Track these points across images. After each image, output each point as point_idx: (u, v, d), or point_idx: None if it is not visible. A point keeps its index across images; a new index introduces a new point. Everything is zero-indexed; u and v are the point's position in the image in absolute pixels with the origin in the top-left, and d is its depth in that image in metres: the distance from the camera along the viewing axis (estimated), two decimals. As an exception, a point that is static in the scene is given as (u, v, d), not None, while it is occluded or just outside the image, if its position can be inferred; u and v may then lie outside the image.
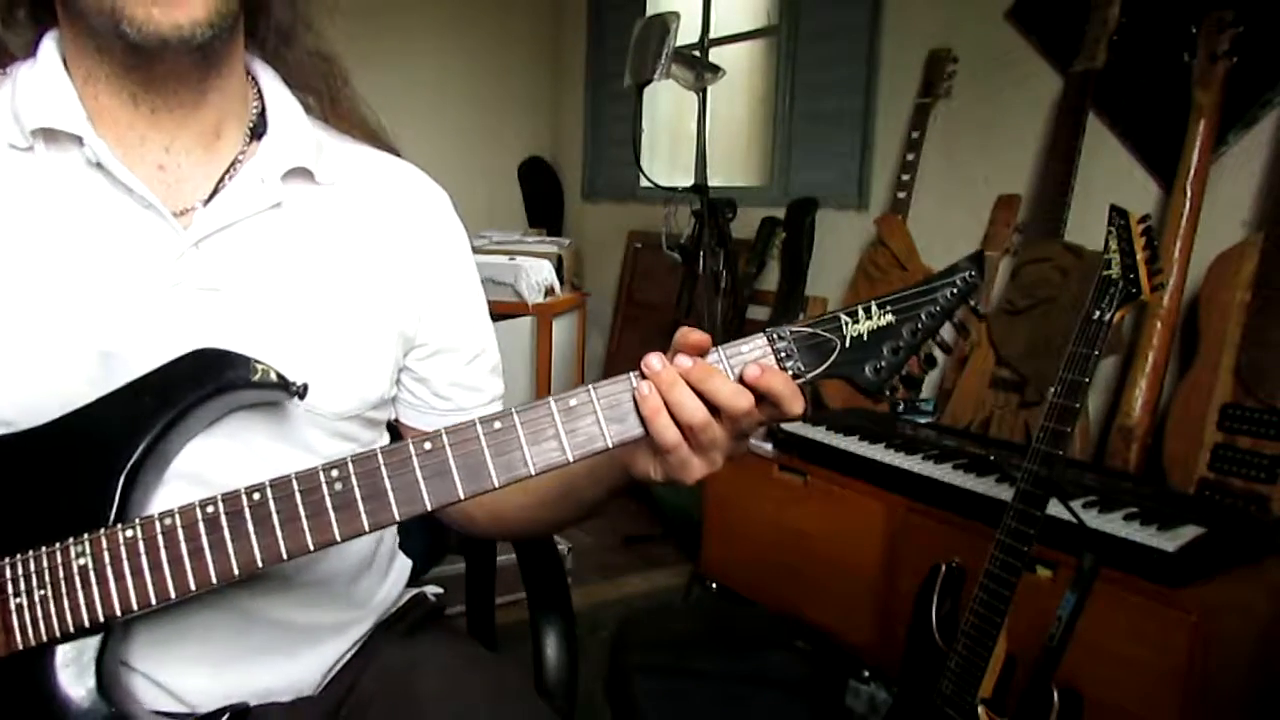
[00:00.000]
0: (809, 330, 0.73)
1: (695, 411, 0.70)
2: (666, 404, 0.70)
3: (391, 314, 0.89)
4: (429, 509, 0.71)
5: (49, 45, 0.80)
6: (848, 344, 0.73)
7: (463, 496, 0.71)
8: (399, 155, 0.97)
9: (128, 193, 0.78)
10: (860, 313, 0.74)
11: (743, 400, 0.70)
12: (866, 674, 2.10)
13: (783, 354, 0.73)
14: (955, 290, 0.75)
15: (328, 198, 0.87)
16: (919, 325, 0.74)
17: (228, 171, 0.83)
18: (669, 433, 0.70)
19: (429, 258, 0.93)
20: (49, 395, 0.75)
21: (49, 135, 0.77)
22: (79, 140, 0.77)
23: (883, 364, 0.74)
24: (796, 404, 0.72)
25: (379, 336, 0.88)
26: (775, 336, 0.73)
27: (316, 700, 0.90)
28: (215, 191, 0.82)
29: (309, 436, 0.84)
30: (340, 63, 0.93)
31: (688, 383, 0.70)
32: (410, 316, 0.91)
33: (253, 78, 0.88)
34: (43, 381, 0.75)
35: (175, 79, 0.78)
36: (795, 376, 0.73)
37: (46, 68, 0.78)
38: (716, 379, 0.71)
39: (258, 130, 0.86)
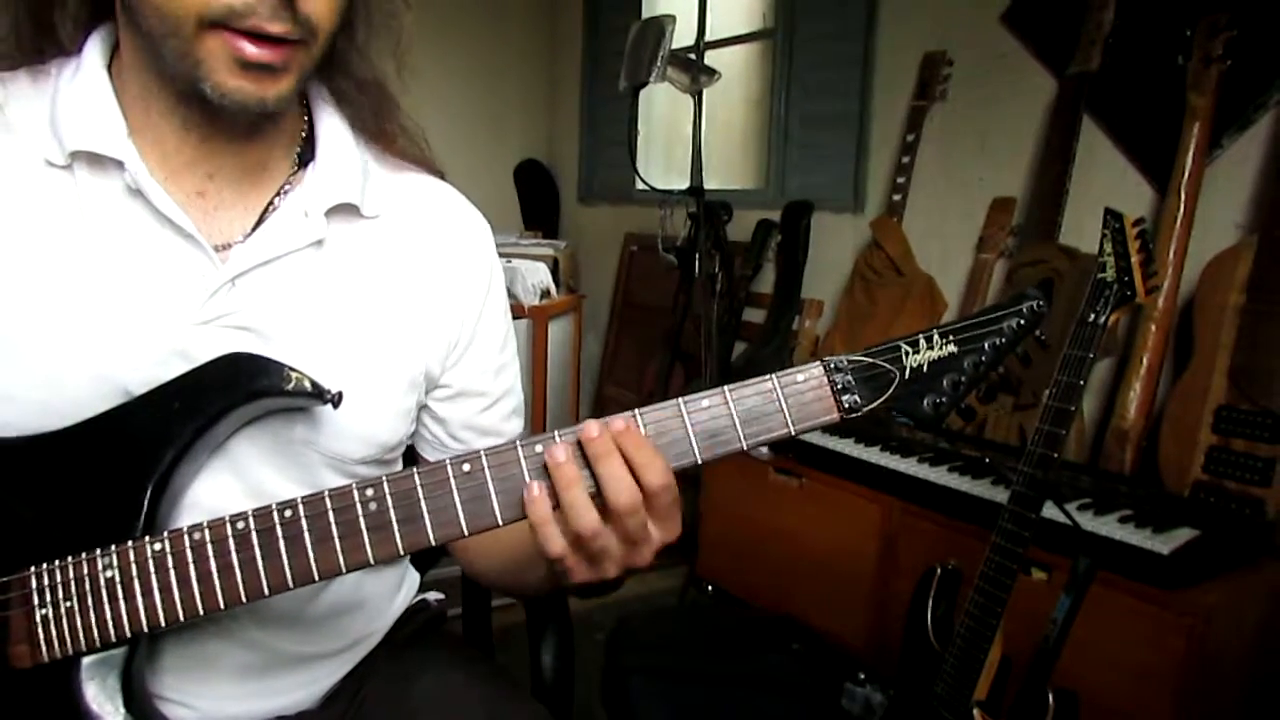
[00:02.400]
0: (868, 360, 0.69)
1: (583, 520, 0.66)
2: (559, 502, 0.66)
3: (421, 357, 0.87)
4: (466, 534, 0.68)
5: (94, 53, 0.76)
6: (907, 375, 0.69)
7: (501, 523, 0.68)
8: (444, 177, 0.94)
9: (167, 222, 0.75)
10: (921, 342, 0.70)
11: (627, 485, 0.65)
12: (862, 676, 2.10)
13: (840, 386, 0.69)
14: (1022, 321, 0.71)
15: (370, 232, 0.84)
16: (982, 358, 0.70)
17: (271, 203, 0.81)
18: (555, 543, 0.67)
19: (465, 297, 0.90)
20: (66, 425, 0.72)
21: (90, 157, 0.74)
22: (120, 164, 0.73)
23: (942, 399, 0.70)
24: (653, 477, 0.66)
25: (405, 383, 0.86)
26: (833, 367, 0.69)
27: (320, 710, 0.91)
28: (258, 224, 0.79)
29: (323, 479, 0.81)
30: (388, 84, 0.89)
31: (585, 454, 0.66)
32: (438, 357, 0.88)
33: (304, 98, 0.84)
34: (62, 412, 0.72)
35: (237, 121, 0.76)
36: (852, 411, 0.69)
37: (90, 82, 0.75)
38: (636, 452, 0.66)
39: (304, 157, 0.83)
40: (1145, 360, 2.17)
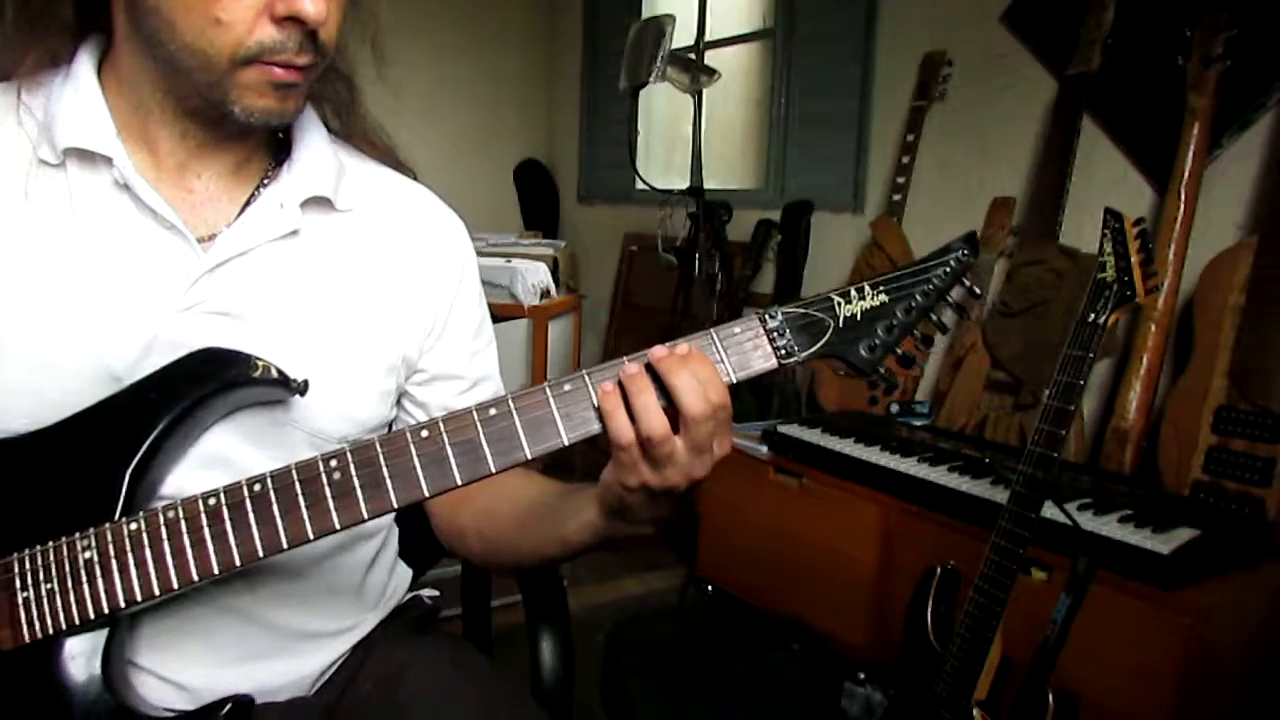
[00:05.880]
0: (800, 310, 0.73)
1: (654, 421, 0.69)
2: (630, 408, 0.70)
3: (396, 341, 0.90)
4: (427, 496, 0.71)
5: (85, 62, 0.80)
6: (841, 324, 0.73)
7: (460, 482, 0.71)
8: (415, 177, 0.98)
9: (152, 215, 0.79)
10: (853, 293, 0.74)
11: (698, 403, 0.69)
12: (862, 676, 2.10)
13: (775, 334, 0.73)
14: (949, 269, 0.75)
15: (345, 224, 0.88)
16: (913, 304, 0.74)
17: (252, 196, 0.85)
18: (624, 430, 0.69)
19: (437, 285, 0.94)
20: (59, 412, 0.76)
21: (81, 154, 0.78)
22: (109, 160, 0.78)
23: (877, 343, 0.74)
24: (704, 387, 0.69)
25: (382, 364, 0.89)
26: (766, 317, 0.73)
27: (311, 702, 0.91)
28: (240, 215, 0.84)
29: (305, 457, 0.83)
30: (356, 81, 0.93)
31: (657, 373, 0.70)
32: (414, 342, 0.92)
33: None
34: (54, 399, 0.76)
35: (237, 129, 0.80)
36: (788, 355, 0.73)
37: (83, 88, 0.79)
38: (682, 375, 0.69)
39: (281, 155, 0.87)
40: (1145, 360, 2.17)
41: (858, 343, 0.74)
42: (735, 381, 0.73)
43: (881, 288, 0.74)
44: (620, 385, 0.70)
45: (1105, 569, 1.60)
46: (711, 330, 0.73)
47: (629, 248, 4.25)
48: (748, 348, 0.73)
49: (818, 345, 0.73)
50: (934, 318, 0.75)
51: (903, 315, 0.74)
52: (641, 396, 0.69)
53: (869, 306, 0.74)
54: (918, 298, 0.74)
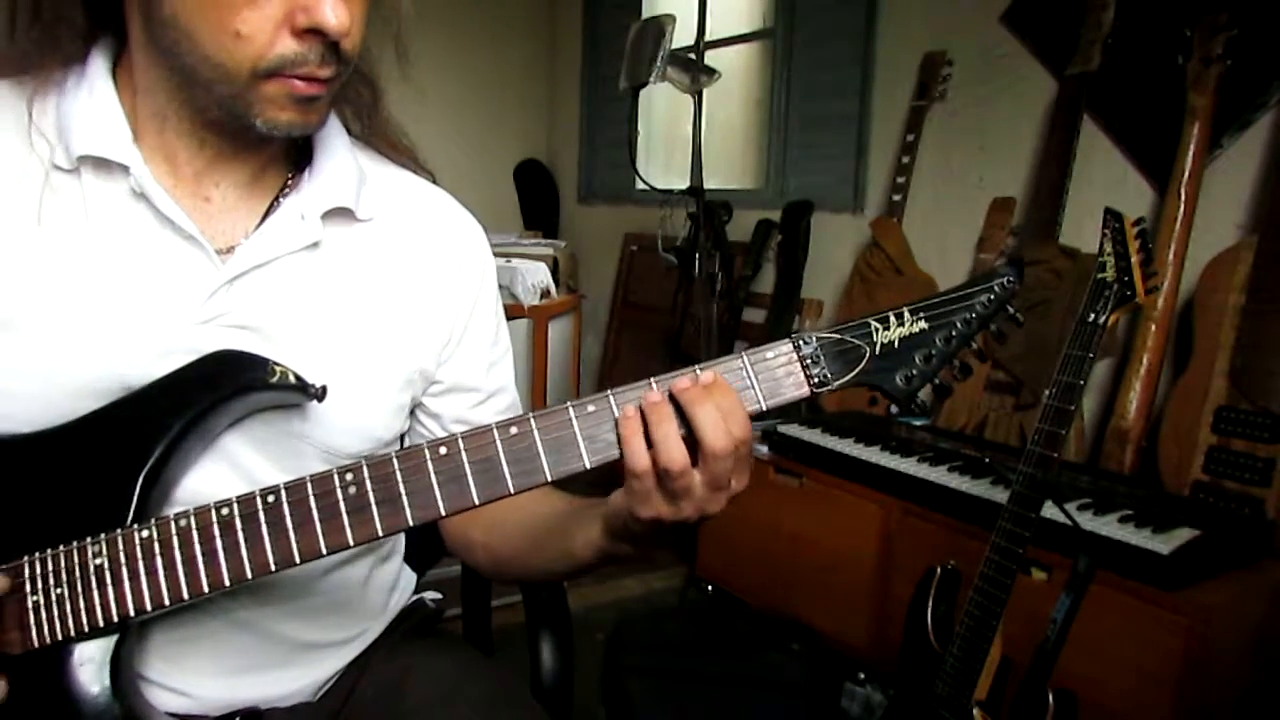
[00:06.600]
0: (836, 336, 0.71)
1: (674, 453, 0.67)
2: (649, 438, 0.68)
3: (415, 354, 0.89)
4: (443, 514, 0.70)
5: (99, 64, 0.78)
6: (878, 351, 0.71)
7: (478, 502, 0.69)
8: (435, 180, 0.96)
9: (170, 225, 0.77)
10: (891, 319, 0.71)
11: (721, 438, 0.67)
12: (862, 676, 2.10)
13: (809, 361, 0.70)
14: (993, 296, 0.72)
15: (366, 234, 0.86)
16: (953, 332, 0.71)
17: (272, 205, 0.83)
18: (640, 458, 0.68)
19: (457, 294, 0.92)
20: (65, 421, 0.74)
21: (96, 162, 0.76)
22: (125, 168, 0.76)
23: (914, 372, 0.71)
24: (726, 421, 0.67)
25: (399, 379, 0.88)
26: (800, 342, 0.70)
27: (315, 706, 0.91)
28: (260, 226, 0.82)
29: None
30: (379, 83, 0.91)
31: (679, 403, 0.68)
32: (432, 354, 0.90)
33: None
34: (63, 408, 0.74)
35: (255, 139, 0.79)
36: (822, 384, 0.70)
37: (96, 91, 0.77)
38: (704, 407, 0.67)
39: (301, 162, 0.86)
40: (1145, 360, 2.17)
41: (894, 371, 0.71)
42: (765, 410, 0.70)
43: (921, 314, 0.71)
44: (641, 412, 0.68)
45: (1105, 569, 1.60)
46: (743, 353, 0.70)
47: (629, 248, 4.25)
48: (780, 374, 0.70)
49: (853, 373, 0.71)
50: (974, 346, 0.72)
51: (943, 344, 0.71)
52: (662, 426, 0.67)
53: (907, 333, 0.71)
54: (959, 325, 0.71)
